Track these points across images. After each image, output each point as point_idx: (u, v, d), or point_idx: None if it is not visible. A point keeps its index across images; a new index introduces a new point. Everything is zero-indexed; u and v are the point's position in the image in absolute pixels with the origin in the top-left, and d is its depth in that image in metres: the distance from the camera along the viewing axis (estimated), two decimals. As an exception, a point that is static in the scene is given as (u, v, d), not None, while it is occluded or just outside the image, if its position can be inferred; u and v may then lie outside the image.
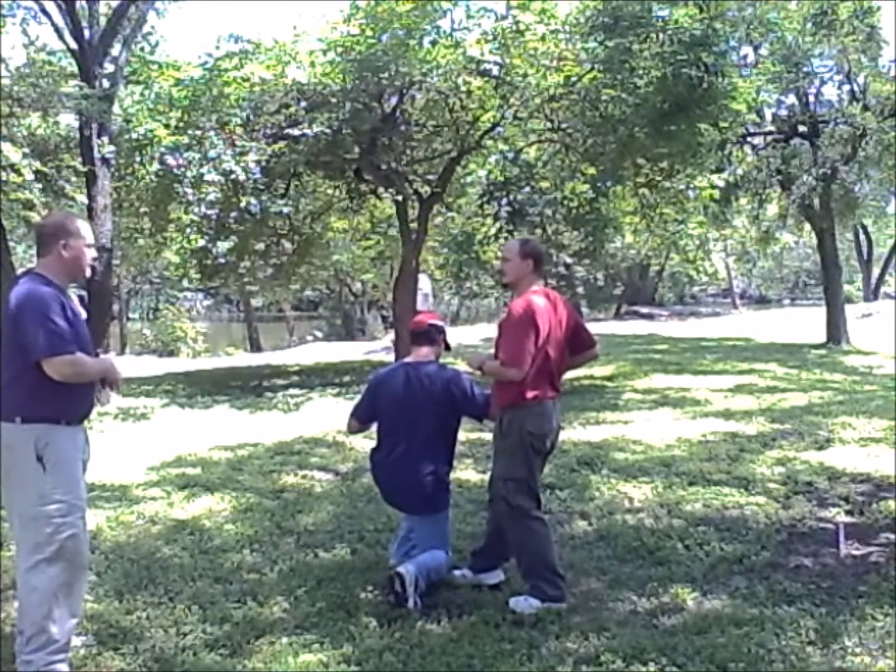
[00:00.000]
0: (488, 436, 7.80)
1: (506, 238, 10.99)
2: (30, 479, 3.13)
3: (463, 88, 10.75)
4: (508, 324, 3.91)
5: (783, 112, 16.74)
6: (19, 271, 10.11)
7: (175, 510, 5.43)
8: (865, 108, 15.44)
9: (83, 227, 3.40)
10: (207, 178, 9.54)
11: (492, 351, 4.12)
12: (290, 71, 10.47)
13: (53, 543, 3.13)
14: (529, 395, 3.85)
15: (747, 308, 37.42)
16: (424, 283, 16.06)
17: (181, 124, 10.39)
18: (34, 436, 3.13)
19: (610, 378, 11.82)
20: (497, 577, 4.11)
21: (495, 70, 10.57)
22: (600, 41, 10.04)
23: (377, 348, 18.54)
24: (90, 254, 3.41)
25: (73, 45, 10.40)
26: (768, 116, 16.76)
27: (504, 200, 10.60)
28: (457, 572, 4.17)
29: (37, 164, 9.16)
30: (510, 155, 10.88)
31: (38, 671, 3.12)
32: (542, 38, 10.34)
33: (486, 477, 6.24)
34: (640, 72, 9.97)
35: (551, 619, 3.66)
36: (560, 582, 3.85)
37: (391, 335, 15.86)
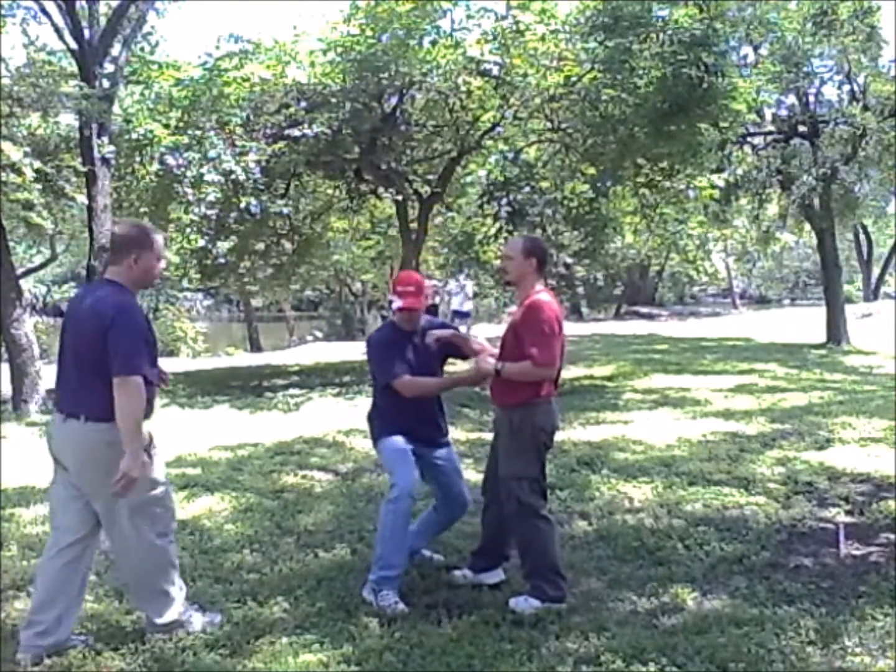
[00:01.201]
0: (488, 436, 7.80)
1: (506, 238, 10.98)
2: (141, 471, 3.34)
3: (463, 88, 10.76)
4: (534, 322, 3.81)
5: (783, 112, 16.74)
6: (14, 271, 10.10)
7: (175, 510, 5.43)
8: (865, 108, 15.44)
9: (157, 240, 3.49)
10: (207, 178, 9.53)
11: (493, 350, 4.09)
12: (290, 71, 10.47)
13: (164, 521, 3.52)
14: (543, 392, 3.87)
15: (747, 308, 37.44)
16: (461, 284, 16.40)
17: (181, 124, 10.39)
18: None
19: (610, 378, 11.82)
20: (497, 576, 4.11)
21: (495, 70, 10.56)
22: (600, 41, 10.04)
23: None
24: (160, 266, 3.54)
25: (73, 45, 10.37)
26: (768, 116, 16.76)
27: (504, 200, 10.58)
28: (457, 572, 4.17)
29: (37, 164, 9.14)
30: (510, 155, 10.85)
31: (181, 622, 3.52)
32: (542, 38, 10.34)
33: (486, 477, 6.26)
34: (640, 72, 9.97)
35: (551, 619, 3.66)
36: (561, 582, 3.86)
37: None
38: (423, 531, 4.42)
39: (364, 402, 9.83)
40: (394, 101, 11.43)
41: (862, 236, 31.20)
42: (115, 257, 3.46)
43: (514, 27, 10.38)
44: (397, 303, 4.21)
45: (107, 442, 3.29)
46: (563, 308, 4.13)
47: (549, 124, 11.61)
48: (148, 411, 3.44)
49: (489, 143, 11.74)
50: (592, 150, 11.07)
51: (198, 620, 3.61)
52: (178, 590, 3.55)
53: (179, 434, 8.16)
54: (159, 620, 3.50)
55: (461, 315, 18.55)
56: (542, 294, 3.91)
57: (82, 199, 10.37)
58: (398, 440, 4.15)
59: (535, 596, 3.80)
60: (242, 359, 19.40)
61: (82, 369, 3.36)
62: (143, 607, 3.58)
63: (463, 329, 18.66)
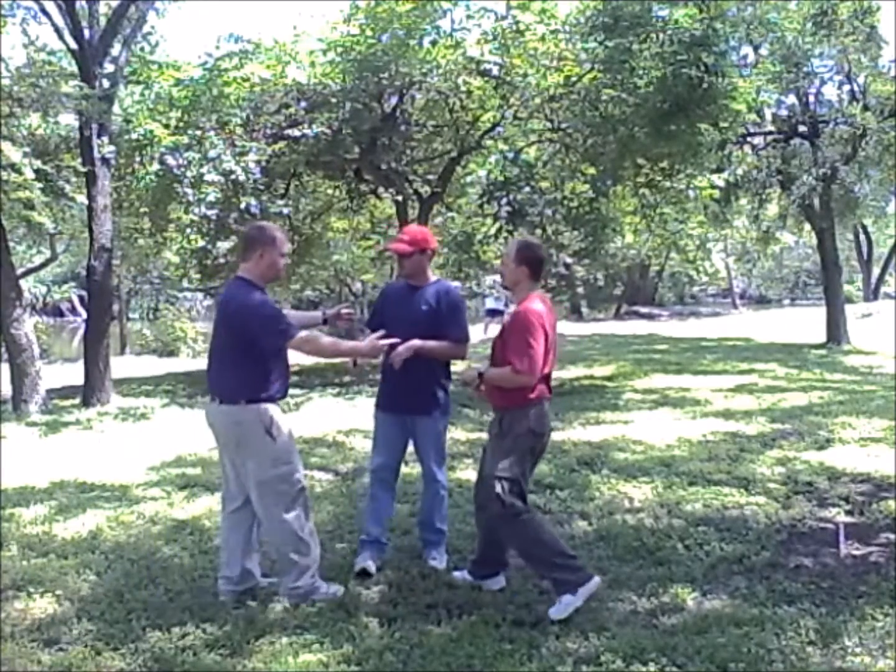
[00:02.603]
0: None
1: (506, 238, 10.97)
2: (264, 450, 3.80)
3: (463, 88, 10.76)
4: (518, 329, 3.85)
5: (783, 112, 16.74)
6: (14, 271, 10.09)
7: (175, 510, 5.43)
8: (865, 108, 15.44)
9: (280, 237, 3.96)
10: (207, 178, 9.51)
11: (481, 362, 4.11)
12: (290, 71, 10.47)
13: (289, 496, 3.85)
14: (533, 394, 3.86)
15: (747, 308, 37.43)
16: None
17: (181, 124, 10.38)
18: (258, 414, 3.80)
19: (610, 378, 11.82)
20: (499, 583, 4.07)
21: (495, 70, 10.56)
22: (600, 41, 10.03)
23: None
24: (283, 261, 3.98)
25: (73, 45, 10.37)
26: (768, 116, 16.74)
27: (504, 200, 10.56)
28: (457, 574, 4.17)
29: (38, 164, 9.14)
30: (510, 155, 10.84)
31: (306, 591, 3.85)
32: (542, 38, 10.34)
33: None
34: (640, 72, 9.96)
35: (551, 618, 3.66)
36: (576, 563, 3.79)
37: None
38: (422, 520, 4.57)
39: (364, 402, 9.83)
40: (394, 101, 11.42)
41: (862, 236, 31.18)
42: (245, 255, 3.93)
43: (514, 27, 10.38)
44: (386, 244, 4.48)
45: (235, 422, 3.81)
46: (563, 308, 4.15)
47: (549, 124, 11.60)
48: (286, 388, 4.06)
49: (489, 143, 11.74)
50: (592, 150, 11.06)
51: (322, 589, 3.91)
52: (309, 559, 3.89)
53: (179, 434, 8.17)
54: (289, 584, 3.86)
55: (496, 313, 19.08)
56: (531, 302, 3.90)
57: (82, 199, 10.37)
58: (380, 420, 4.48)
59: (564, 591, 3.70)
60: (242, 359, 19.36)
61: (218, 358, 3.93)
62: (278, 573, 3.96)
63: (498, 325, 19.28)
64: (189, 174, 9.65)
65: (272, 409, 3.86)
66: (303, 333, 3.87)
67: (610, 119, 10.39)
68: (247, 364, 3.80)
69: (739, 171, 15.77)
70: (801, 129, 16.47)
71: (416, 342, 4.17)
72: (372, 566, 4.22)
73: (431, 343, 4.23)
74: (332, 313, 4.33)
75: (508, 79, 10.65)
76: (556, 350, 4.13)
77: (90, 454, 7.36)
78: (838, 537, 4.65)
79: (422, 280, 4.41)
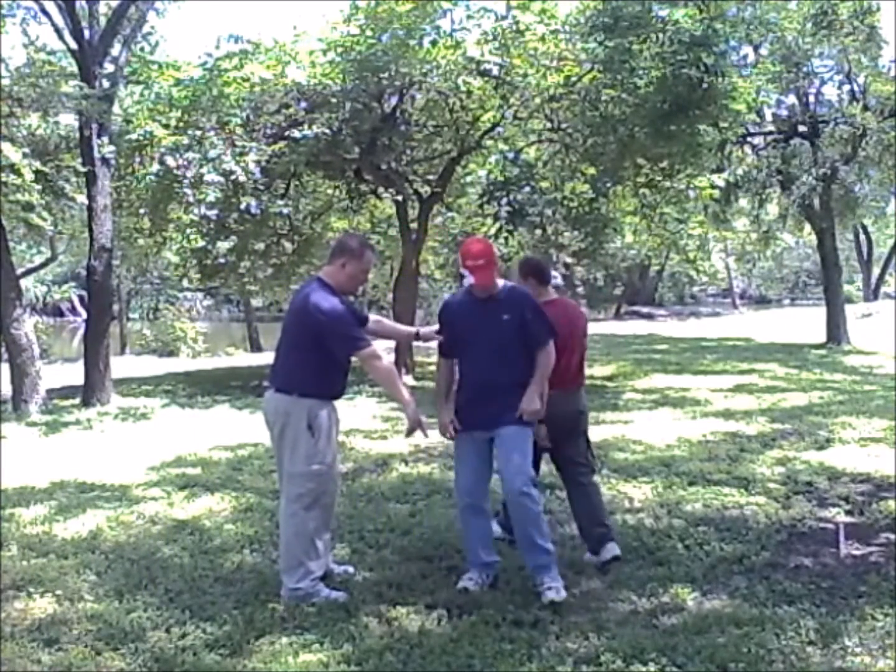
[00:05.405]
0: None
1: (506, 238, 10.98)
2: (301, 443, 3.89)
3: (463, 88, 10.74)
4: None
5: (783, 112, 16.76)
6: (14, 271, 10.08)
7: (175, 510, 5.43)
8: (865, 108, 15.46)
9: (367, 254, 4.07)
10: (207, 178, 9.51)
11: None
12: (290, 71, 10.46)
13: (312, 495, 3.91)
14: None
15: (747, 308, 37.44)
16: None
17: (181, 124, 10.38)
18: (307, 408, 3.89)
19: (610, 378, 11.82)
20: (613, 550, 4.33)
21: (495, 70, 10.56)
22: (600, 41, 10.04)
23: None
24: (364, 277, 4.14)
25: (73, 45, 10.38)
26: (768, 116, 16.78)
27: (504, 200, 10.57)
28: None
29: (37, 165, 9.14)
30: (510, 155, 10.85)
31: (307, 594, 3.84)
32: (542, 38, 10.34)
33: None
34: (640, 72, 9.97)
35: (551, 619, 3.66)
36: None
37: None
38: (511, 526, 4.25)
39: (363, 402, 9.82)
40: (394, 101, 11.42)
41: (862, 236, 31.20)
42: (331, 259, 4.06)
43: (514, 27, 10.37)
44: (469, 279, 4.10)
45: (284, 411, 3.93)
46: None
47: (549, 124, 11.60)
48: (342, 389, 4.12)
49: (489, 143, 11.75)
50: (592, 150, 11.06)
51: (324, 594, 3.88)
52: (315, 564, 3.91)
53: (179, 434, 8.18)
54: (291, 585, 3.87)
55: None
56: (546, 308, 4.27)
57: (82, 199, 10.37)
58: (464, 440, 4.09)
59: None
60: (242, 359, 19.41)
61: (283, 350, 4.08)
62: (282, 569, 3.98)
63: None
64: (189, 174, 9.64)
65: (322, 406, 3.95)
66: (369, 350, 3.90)
67: (610, 119, 10.39)
68: (308, 359, 3.90)
69: (739, 171, 15.80)
70: (801, 129, 16.49)
71: (538, 397, 4.02)
72: (473, 586, 3.98)
73: (540, 384, 4.07)
74: (427, 332, 4.38)
75: (508, 79, 10.65)
76: (580, 349, 4.54)
77: (90, 454, 7.36)
78: (838, 537, 4.65)
79: (493, 289, 4.08)
